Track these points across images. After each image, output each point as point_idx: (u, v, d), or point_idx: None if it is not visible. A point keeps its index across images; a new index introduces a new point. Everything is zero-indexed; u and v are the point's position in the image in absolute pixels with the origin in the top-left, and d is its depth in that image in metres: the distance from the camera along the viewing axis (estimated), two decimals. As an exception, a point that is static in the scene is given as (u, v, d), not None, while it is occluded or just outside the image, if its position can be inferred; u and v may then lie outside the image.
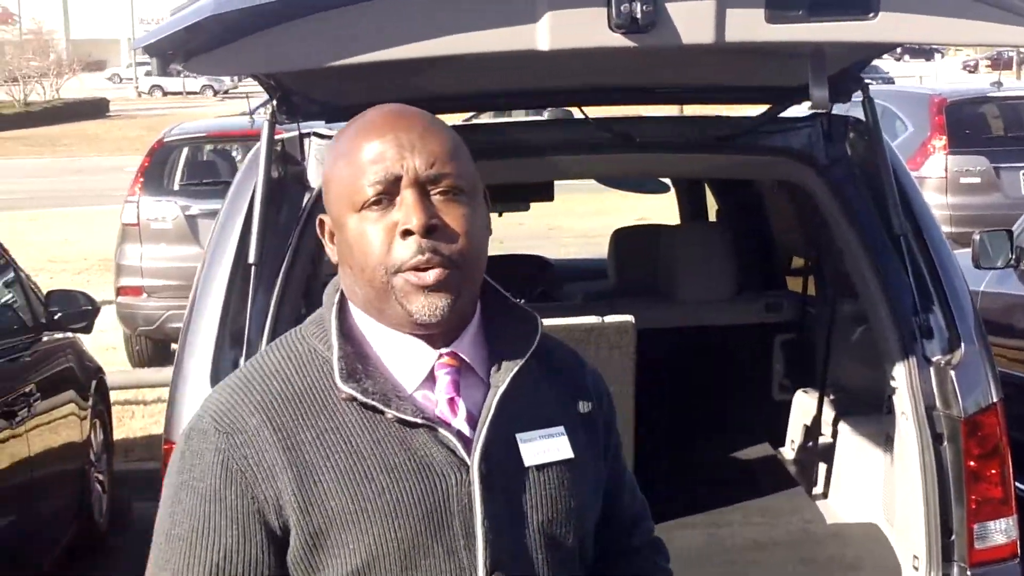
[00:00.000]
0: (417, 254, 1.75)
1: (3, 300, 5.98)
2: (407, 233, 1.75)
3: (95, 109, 52.98)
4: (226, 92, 55.08)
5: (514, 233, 14.73)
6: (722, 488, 4.51)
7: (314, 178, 3.84)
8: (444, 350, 1.82)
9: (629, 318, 3.99)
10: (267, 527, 1.74)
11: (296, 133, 3.85)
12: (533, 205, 6.67)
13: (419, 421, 1.77)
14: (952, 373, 3.43)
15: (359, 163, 1.78)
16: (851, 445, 4.31)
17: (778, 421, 4.89)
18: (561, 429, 1.87)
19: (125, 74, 72.00)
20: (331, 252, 1.87)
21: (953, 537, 3.40)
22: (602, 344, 3.95)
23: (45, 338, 5.96)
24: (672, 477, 4.53)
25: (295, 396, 1.79)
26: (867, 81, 3.76)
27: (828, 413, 4.49)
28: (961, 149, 12.11)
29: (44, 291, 6.22)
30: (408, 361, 1.82)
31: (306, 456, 1.74)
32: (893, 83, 34.02)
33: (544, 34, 2.77)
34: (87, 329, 6.12)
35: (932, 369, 3.46)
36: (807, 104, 3.54)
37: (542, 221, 16.20)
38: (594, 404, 1.96)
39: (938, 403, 3.43)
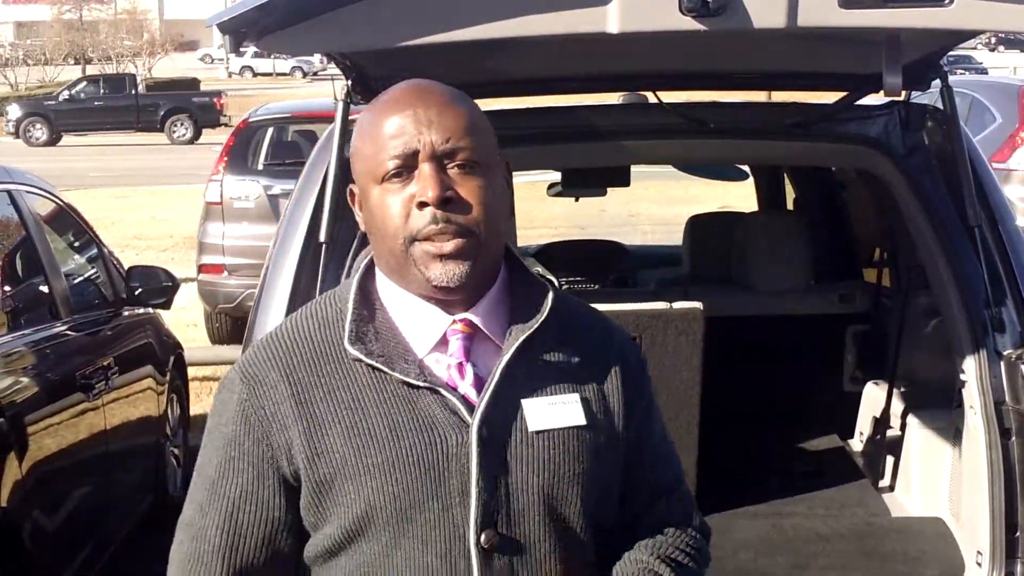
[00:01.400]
0: (432, 223, 1.84)
1: (85, 275, 6.08)
2: (423, 204, 1.85)
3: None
4: (315, 74, 55.63)
5: (595, 220, 14.75)
6: (788, 479, 4.49)
7: (386, 159, 3.87)
8: (458, 316, 1.91)
9: (697, 305, 3.98)
10: (280, 472, 1.88)
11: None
12: (615, 191, 6.65)
13: (421, 384, 1.86)
14: (1022, 367, 3.38)
15: (381, 138, 1.87)
16: (919, 438, 4.27)
17: (848, 412, 4.85)
18: (575, 396, 1.92)
19: (217, 55, 72.80)
20: (360, 220, 1.97)
21: (1018, 533, 3.35)
22: (670, 331, 3.95)
23: (125, 313, 6.05)
24: (738, 466, 4.52)
25: (313, 354, 1.91)
26: (946, 69, 3.71)
27: (897, 406, 4.44)
28: (1050, 142, 11.88)
29: (128, 267, 6.32)
30: (422, 325, 1.91)
31: (316, 410, 1.87)
32: (986, 73, 33.47)
33: (614, 17, 2.76)
34: (166, 305, 6.20)
35: (1003, 363, 3.41)
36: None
37: (624, 207, 16.17)
38: (618, 372, 1.99)
39: (1007, 398, 3.39)
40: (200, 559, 1.90)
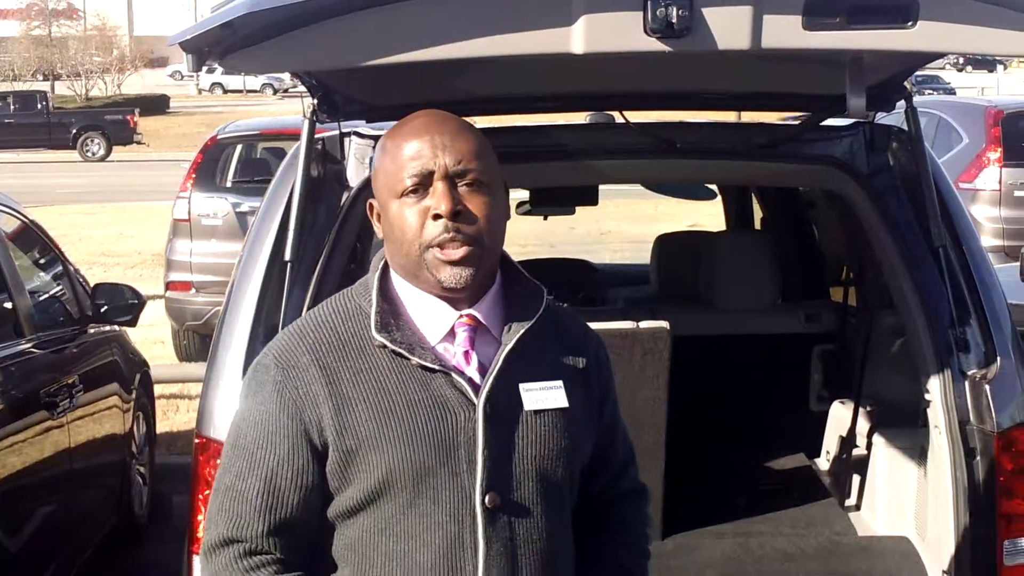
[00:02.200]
0: (444, 233, 2.17)
1: (50, 292, 6.05)
2: (437, 216, 2.17)
3: (155, 105, 53.52)
4: (286, 91, 55.50)
5: (565, 237, 14.75)
6: (754, 497, 4.49)
7: (353, 177, 3.85)
8: (464, 311, 2.24)
9: (664, 324, 3.98)
10: (311, 443, 2.19)
11: (336, 132, 3.87)
12: (585, 209, 6.66)
13: (437, 367, 2.18)
14: (987, 387, 3.39)
15: (401, 159, 2.21)
16: (885, 457, 4.28)
17: (814, 431, 4.86)
18: (559, 383, 2.26)
19: (187, 72, 72.42)
20: (378, 229, 2.30)
21: (983, 552, 3.36)
22: (636, 349, 3.95)
23: (91, 330, 6.02)
24: (704, 484, 4.52)
25: (339, 342, 2.22)
26: (913, 90, 3.73)
27: (863, 425, 4.45)
28: (1017, 161, 11.98)
29: (93, 284, 6.28)
30: (433, 319, 2.24)
31: (343, 390, 2.19)
32: (954, 94, 33.70)
33: (579, 37, 2.76)
34: (132, 323, 6.17)
35: (967, 383, 3.42)
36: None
37: (594, 225, 16.19)
38: (592, 364, 2.34)
39: (972, 417, 3.40)
40: (245, 516, 2.18)
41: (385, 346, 2.19)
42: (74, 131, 38.20)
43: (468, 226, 2.18)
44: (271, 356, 2.24)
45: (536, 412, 2.22)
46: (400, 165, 2.20)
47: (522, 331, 2.23)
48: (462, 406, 2.18)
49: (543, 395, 2.24)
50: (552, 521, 2.23)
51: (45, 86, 54.09)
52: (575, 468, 2.29)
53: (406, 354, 2.19)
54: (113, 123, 38.50)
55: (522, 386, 2.22)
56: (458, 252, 2.17)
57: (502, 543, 2.17)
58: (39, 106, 39.22)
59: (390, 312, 2.23)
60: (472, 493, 2.16)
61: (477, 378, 2.21)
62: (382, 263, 2.30)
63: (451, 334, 2.24)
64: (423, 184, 2.19)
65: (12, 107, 39.28)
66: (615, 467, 2.44)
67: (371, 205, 2.31)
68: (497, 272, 2.30)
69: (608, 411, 2.39)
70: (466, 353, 2.22)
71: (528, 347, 2.24)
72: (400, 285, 2.27)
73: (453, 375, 2.19)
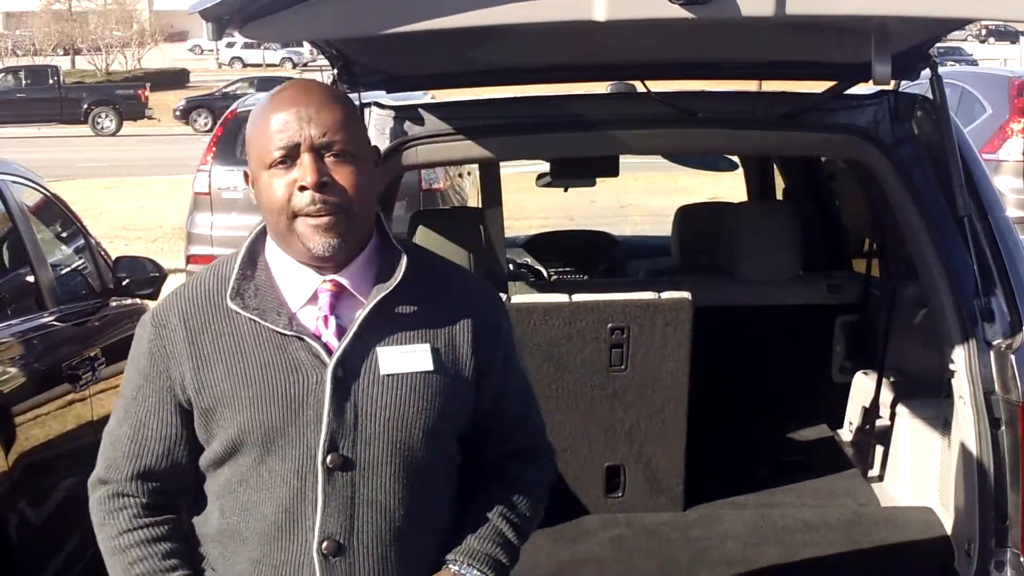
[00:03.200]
0: (311, 204, 2.25)
1: (72, 265, 6.05)
2: (303, 188, 2.25)
3: (176, 80, 53.54)
4: (304, 64, 55.41)
5: (586, 210, 14.72)
6: (777, 469, 4.47)
7: (373, 148, 3.84)
8: (328, 277, 2.32)
9: (686, 295, 3.96)
10: (176, 399, 2.34)
11: (357, 103, 3.85)
12: (605, 182, 6.62)
13: (289, 332, 2.29)
14: (1012, 357, 3.36)
15: (268, 131, 2.28)
16: (909, 428, 4.26)
17: (837, 403, 4.84)
18: (426, 347, 2.33)
19: (207, 45, 72.59)
20: (252, 196, 2.36)
21: (1007, 523, 3.34)
22: (658, 320, 3.93)
23: (113, 303, 6.02)
24: (727, 456, 4.50)
25: (207, 304, 2.35)
26: (935, 59, 3.70)
27: (887, 396, 4.43)
28: (1040, 132, 11.88)
29: (115, 257, 6.28)
30: (298, 284, 2.34)
31: (204, 350, 2.32)
32: (976, 65, 33.47)
33: (602, 5, 2.74)
34: (154, 295, 6.16)
35: (992, 353, 3.40)
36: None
37: (614, 198, 16.14)
38: (476, 328, 2.38)
39: (997, 387, 3.38)
40: (115, 461, 2.38)
41: (238, 312, 2.30)
42: (85, 106, 38.27)
43: (335, 196, 2.25)
44: (149, 314, 2.40)
45: (392, 375, 2.29)
46: (268, 137, 2.27)
47: (380, 296, 2.30)
48: (314, 369, 2.27)
49: (404, 359, 2.31)
50: (406, 482, 2.31)
51: (65, 61, 54.22)
52: (443, 430, 2.36)
53: (258, 320, 2.29)
54: (124, 98, 38.60)
55: (380, 350, 2.30)
56: (324, 220, 2.25)
57: (341, 500, 2.27)
58: (51, 81, 39.26)
59: (252, 278, 2.34)
60: (316, 452, 2.26)
61: (334, 342, 2.29)
62: (257, 229, 2.41)
63: (315, 298, 2.33)
64: (290, 156, 2.26)
65: (24, 82, 39.42)
66: (503, 430, 2.48)
67: (246, 174, 2.37)
68: (371, 239, 2.37)
69: (494, 375, 2.42)
70: (325, 317, 2.31)
71: (395, 311, 2.32)
72: (273, 251, 2.37)
73: (307, 339, 2.28)
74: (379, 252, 2.38)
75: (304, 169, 2.25)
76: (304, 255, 2.30)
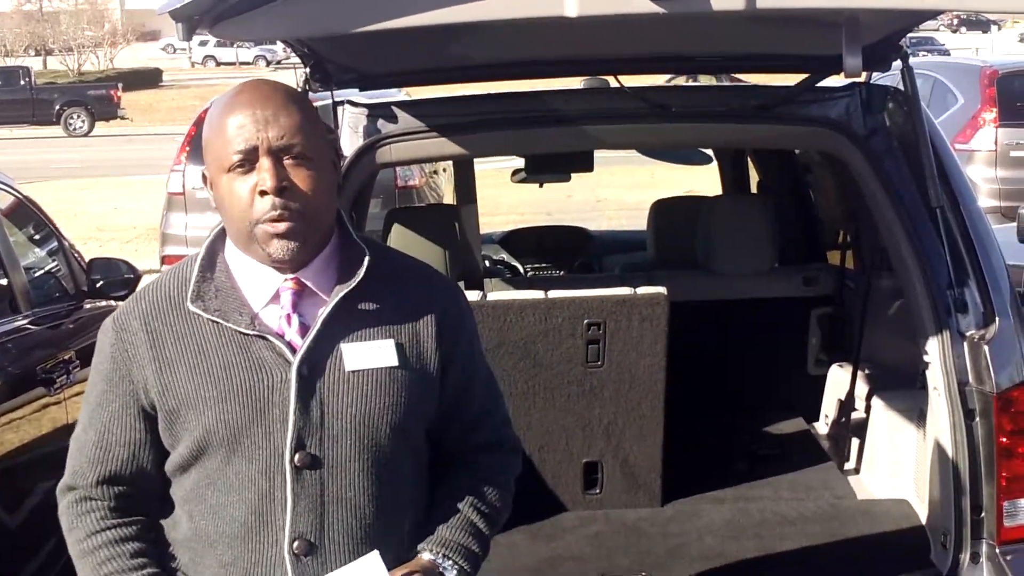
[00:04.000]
0: (271, 209, 2.23)
1: (46, 268, 6.02)
2: (263, 193, 2.23)
3: (148, 79, 53.34)
4: (279, 63, 55.32)
5: (562, 205, 14.73)
6: (753, 462, 4.48)
7: (347, 147, 3.84)
8: (289, 276, 2.31)
9: (661, 290, 3.96)
10: (139, 403, 2.33)
11: (330, 101, 3.84)
12: (581, 177, 6.63)
13: (252, 332, 2.28)
14: (986, 348, 3.38)
15: (226, 134, 2.25)
16: (884, 420, 4.27)
17: (813, 395, 4.85)
18: (390, 342, 2.33)
19: (179, 44, 72.35)
20: (211, 198, 2.34)
21: (983, 514, 3.35)
22: (634, 316, 3.93)
23: (87, 306, 5.99)
24: (704, 450, 4.51)
25: (167, 306, 2.33)
26: (907, 50, 3.70)
27: (862, 388, 4.44)
28: (1012, 122, 11.95)
29: (89, 259, 6.25)
30: (260, 284, 2.33)
31: (166, 352, 2.31)
32: (949, 55, 33.60)
33: (573, 1, 2.73)
34: (128, 297, 6.14)
35: (966, 344, 3.41)
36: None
37: (590, 193, 16.17)
38: (438, 321, 2.38)
39: (971, 378, 3.39)
40: (81, 467, 2.36)
41: (199, 315, 2.29)
42: (57, 107, 37.86)
43: (294, 201, 2.23)
44: (111, 319, 2.38)
45: (357, 371, 2.28)
46: (226, 140, 2.24)
47: (343, 293, 2.29)
48: (279, 367, 2.26)
49: (368, 354, 2.30)
50: (375, 478, 2.31)
51: (37, 62, 53.92)
52: (410, 425, 2.35)
53: (220, 321, 2.28)
54: (96, 98, 38.19)
55: (344, 346, 2.29)
56: (284, 226, 2.23)
57: (310, 499, 2.26)
58: (22, 82, 38.78)
59: (212, 280, 2.33)
60: (283, 451, 2.25)
61: (297, 340, 2.29)
62: (217, 230, 2.39)
63: (277, 298, 2.32)
64: (249, 159, 2.23)
65: (-5, 83, 38.96)
66: (468, 421, 2.48)
67: (204, 176, 2.34)
68: (331, 238, 2.36)
69: (458, 367, 2.42)
70: (288, 316, 2.30)
71: (357, 308, 2.31)
72: (232, 251, 2.35)
73: (271, 338, 2.27)
74: (340, 249, 2.37)
75: (263, 174, 2.23)
76: (264, 258, 2.29)
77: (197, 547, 2.34)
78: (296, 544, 2.27)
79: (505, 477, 2.53)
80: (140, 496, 2.39)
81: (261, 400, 2.25)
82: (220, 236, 2.39)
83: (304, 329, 2.29)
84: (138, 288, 2.46)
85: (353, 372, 2.29)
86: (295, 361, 2.26)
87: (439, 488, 2.47)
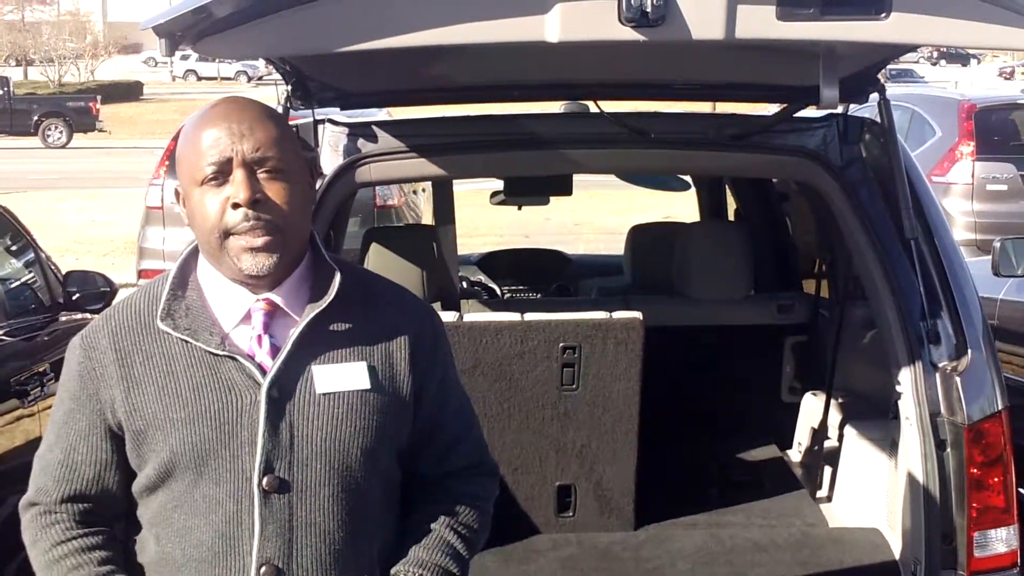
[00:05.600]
0: (244, 221, 2.20)
1: (21, 279, 6.00)
2: (236, 205, 2.19)
3: (128, 92, 53.22)
4: (260, 79, 55.25)
5: (540, 228, 14.76)
6: (726, 489, 4.49)
7: (327, 165, 3.84)
8: (261, 296, 2.27)
9: (637, 314, 3.97)
10: (106, 422, 2.29)
11: (311, 119, 3.85)
12: (560, 200, 6.65)
13: (221, 353, 2.24)
14: (958, 379, 3.40)
15: (200, 147, 2.22)
16: (856, 449, 4.29)
17: (786, 423, 4.87)
18: (362, 364, 2.29)
19: (160, 58, 72.21)
20: (183, 215, 2.30)
21: (954, 544, 3.37)
22: (609, 340, 3.94)
23: (63, 318, 5.98)
24: (677, 476, 4.51)
25: (136, 325, 2.29)
26: (884, 83, 3.74)
27: (835, 416, 4.46)
28: (989, 156, 12.03)
29: (65, 272, 6.23)
30: (231, 304, 2.29)
31: (134, 372, 2.26)
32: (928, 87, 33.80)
33: (554, 26, 2.76)
34: (104, 310, 6.12)
35: (938, 375, 3.44)
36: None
37: (568, 216, 16.19)
38: (411, 344, 2.34)
39: (943, 409, 3.41)
40: (46, 485, 2.33)
41: (169, 333, 2.25)
42: (35, 117, 37.58)
43: (268, 214, 2.20)
44: (79, 337, 2.34)
45: (329, 394, 2.24)
46: (199, 153, 2.21)
47: (314, 314, 2.26)
48: (248, 389, 2.22)
49: (339, 377, 2.26)
50: (345, 503, 2.26)
51: (18, 72, 53.74)
52: (382, 448, 2.30)
53: (190, 340, 2.24)
54: (75, 110, 37.92)
55: (315, 368, 2.25)
56: (258, 240, 2.20)
57: (278, 524, 2.22)
58: (0, 92, 38.73)
59: (183, 298, 2.29)
60: (251, 475, 2.21)
61: (268, 362, 2.24)
62: (190, 248, 2.36)
63: (248, 318, 2.27)
64: (222, 172, 2.20)
65: (-28, 93, 38.73)
66: (443, 446, 2.43)
67: (176, 191, 2.31)
68: (304, 258, 2.32)
69: (432, 389, 2.38)
70: (259, 337, 2.26)
71: (329, 329, 2.28)
72: (205, 270, 2.32)
73: (240, 359, 2.23)
74: (312, 269, 2.33)
75: (237, 185, 2.19)
76: (236, 274, 2.25)
77: (164, 570, 2.29)
78: (263, 569, 2.22)
79: (483, 500, 2.48)
80: (106, 515, 2.36)
81: (230, 422, 2.21)
82: (193, 254, 2.35)
83: (275, 350, 2.25)
84: (112, 305, 2.40)
85: (324, 395, 2.24)
86: (265, 383, 2.21)
87: (415, 513, 2.41)
